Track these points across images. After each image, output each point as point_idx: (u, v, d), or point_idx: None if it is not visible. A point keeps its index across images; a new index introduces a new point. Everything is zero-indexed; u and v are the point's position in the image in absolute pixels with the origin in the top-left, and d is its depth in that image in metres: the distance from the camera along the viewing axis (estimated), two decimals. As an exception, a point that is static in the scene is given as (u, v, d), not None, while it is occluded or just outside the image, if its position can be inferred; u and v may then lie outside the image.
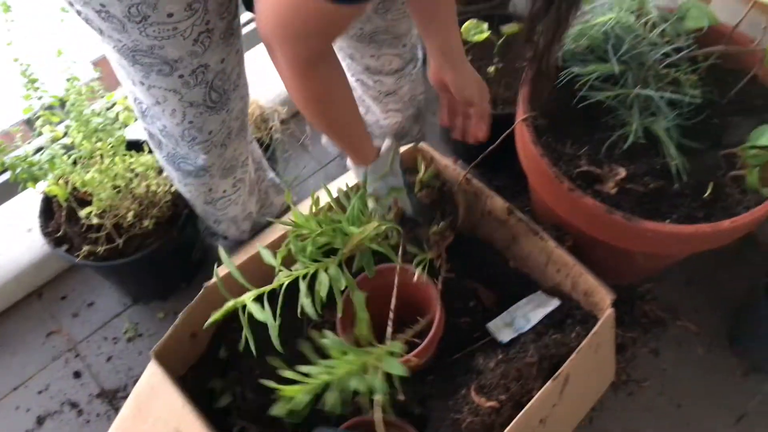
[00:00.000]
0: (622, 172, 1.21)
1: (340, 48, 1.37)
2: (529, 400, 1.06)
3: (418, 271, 1.20)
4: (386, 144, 1.15)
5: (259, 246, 1.16)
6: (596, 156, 1.25)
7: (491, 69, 1.64)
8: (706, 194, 1.16)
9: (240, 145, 1.27)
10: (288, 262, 1.08)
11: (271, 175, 1.53)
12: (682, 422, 1.46)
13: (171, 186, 1.45)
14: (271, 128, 1.60)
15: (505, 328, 1.28)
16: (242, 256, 1.29)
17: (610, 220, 1.13)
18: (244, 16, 1.09)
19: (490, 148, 1.29)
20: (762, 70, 1.24)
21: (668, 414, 1.47)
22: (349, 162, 1.16)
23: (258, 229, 1.50)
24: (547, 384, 1.07)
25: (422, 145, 1.38)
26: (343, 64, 1.41)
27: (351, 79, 1.46)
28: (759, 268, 1.40)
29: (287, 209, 1.55)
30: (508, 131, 1.29)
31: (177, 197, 1.46)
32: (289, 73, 0.90)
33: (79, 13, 0.94)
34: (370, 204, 1.17)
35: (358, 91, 1.50)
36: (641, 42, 1.22)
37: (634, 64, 1.22)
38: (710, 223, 1.10)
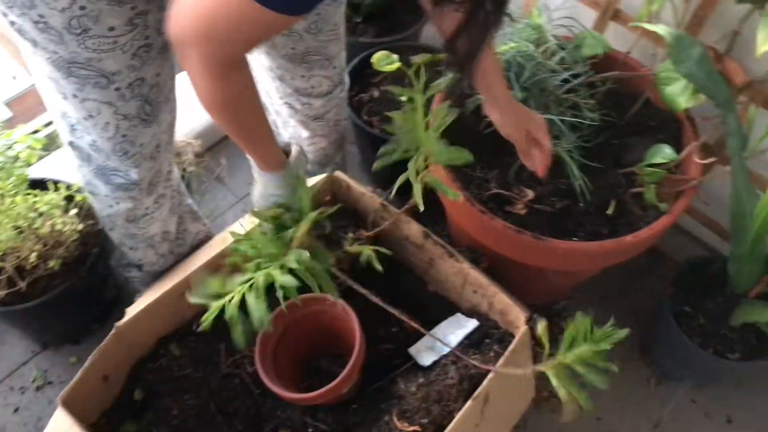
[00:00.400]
0: (530, 194, 1.26)
1: (270, 69, 1.36)
2: (450, 422, 1.06)
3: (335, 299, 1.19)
4: (294, 150, 1.15)
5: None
6: (505, 179, 1.28)
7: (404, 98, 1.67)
8: (609, 211, 1.21)
9: (166, 159, 1.26)
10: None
11: (189, 200, 1.50)
12: (602, 434, 1.50)
13: (78, 224, 1.39)
14: (184, 162, 1.57)
15: (426, 351, 1.29)
16: (157, 291, 1.25)
17: (520, 240, 1.17)
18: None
19: (403, 175, 1.31)
20: (654, 93, 1.31)
21: (590, 427, 1.51)
22: (254, 169, 1.15)
23: (173, 260, 1.46)
24: (468, 404, 1.08)
25: (337, 173, 1.39)
26: (272, 87, 1.42)
27: (279, 102, 1.45)
28: (665, 280, 1.46)
29: (204, 240, 1.53)
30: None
31: (85, 235, 1.41)
32: (203, 76, 0.86)
33: (12, 23, 0.92)
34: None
35: (284, 115, 1.49)
36: (542, 69, 1.28)
37: (535, 90, 1.27)
38: (614, 239, 1.15)
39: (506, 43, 1.29)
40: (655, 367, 1.58)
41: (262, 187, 1.17)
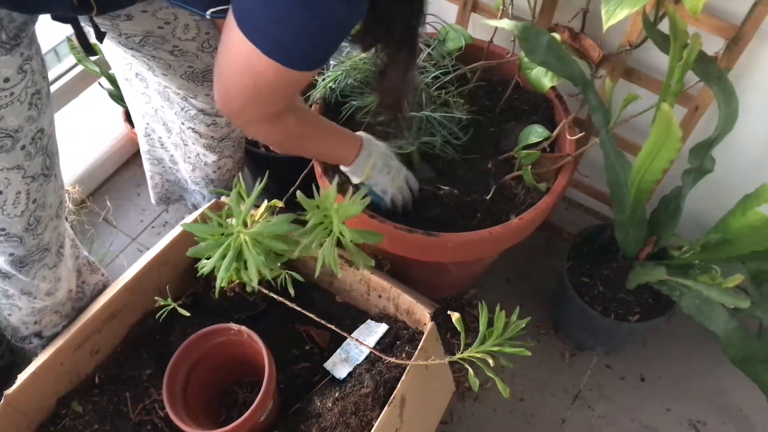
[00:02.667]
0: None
1: (171, 91, 1.31)
2: (370, 432, 1.06)
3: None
4: (362, 135, 1.19)
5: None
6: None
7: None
8: (488, 196, 1.23)
9: (64, 214, 1.20)
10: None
11: (85, 253, 1.43)
12: (527, 414, 1.53)
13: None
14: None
15: (341, 364, 1.28)
16: (48, 351, 1.18)
17: (413, 239, 1.17)
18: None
19: (293, 189, 1.30)
20: (521, 77, 1.35)
21: (514, 409, 1.53)
22: (346, 169, 1.20)
23: (74, 317, 1.39)
24: (384, 410, 1.08)
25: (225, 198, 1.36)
26: (173, 113, 1.37)
27: (182, 129, 1.40)
28: (563, 255, 1.51)
29: (102, 289, 1.46)
30: (306, 169, 1.31)
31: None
32: (265, 133, 1.00)
33: None
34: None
35: (189, 142, 1.44)
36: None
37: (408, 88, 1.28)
38: (501, 224, 1.18)
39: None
40: (568, 340, 1.63)
41: (359, 178, 1.20)
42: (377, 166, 1.19)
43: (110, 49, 1.31)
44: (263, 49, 0.81)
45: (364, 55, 1.29)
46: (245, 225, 0.95)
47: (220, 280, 0.86)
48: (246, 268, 0.88)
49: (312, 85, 1.37)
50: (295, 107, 1.00)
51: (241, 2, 0.81)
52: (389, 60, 1.00)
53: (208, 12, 0.94)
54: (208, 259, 0.90)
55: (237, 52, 0.83)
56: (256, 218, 1.00)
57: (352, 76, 1.29)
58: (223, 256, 0.86)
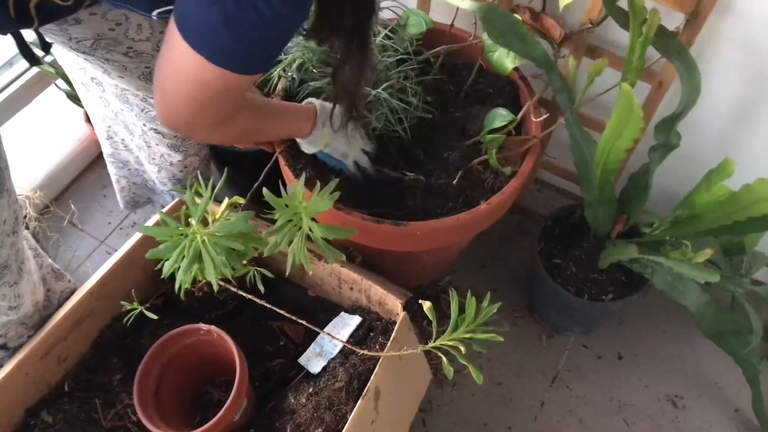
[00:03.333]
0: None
1: (130, 93, 1.27)
2: (344, 426, 1.05)
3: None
4: (311, 103, 1.18)
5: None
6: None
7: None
8: (455, 182, 1.22)
9: (21, 227, 1.15)
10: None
11: (49, 260, 1.40)
12: (506, 398, 1.53)
13: None
14: (25, 216, 1.46)
15: (315, 358, 1.27)
16: (12, 362, 1.16)
17: (382, 230, 1.16)
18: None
19: (256, 184, 1.27)
20: (484, 60, 1.33)
21: (492, 393, 1.53)
22: (306, 146, 1.20)
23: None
24: (358, 403, 1.07)
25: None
26: (133, 114, 1.33)
27: (144, 130, 1.37)
28: (536, 237, 1.50)
29: (69, 295, 1.43)
30: (270, 163, 1.28)
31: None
32: (213, 136, 0.99)
33: None
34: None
35: (152, 143, 1.40)
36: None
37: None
38: (469, 210, 1.16)
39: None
40: (544, 322, 1.63)
41: (319, 147, 1.20)
42: (334, 132, 1.18)
43: (62, 54, 1.27)
44: (209, 57, 0.78)
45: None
46: (206, 224, 0.93)
47: (179, 282, 0.84)
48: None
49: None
50: (245, 103, 0.98)
51: (182, 9, 0.77)
52: (342, 56, 0.98)
53: (154, 13, 0.90)
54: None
55: (180, 61, 0.80)
56: (217, 216, 0.98)
57: (311, 61, 1.26)
58: (182, 258, 0.84)
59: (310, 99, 1.19)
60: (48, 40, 1.07)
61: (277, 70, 1.32)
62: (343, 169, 1.25)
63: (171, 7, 0.83)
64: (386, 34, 1.31)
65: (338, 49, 0.98)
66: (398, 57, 1.29)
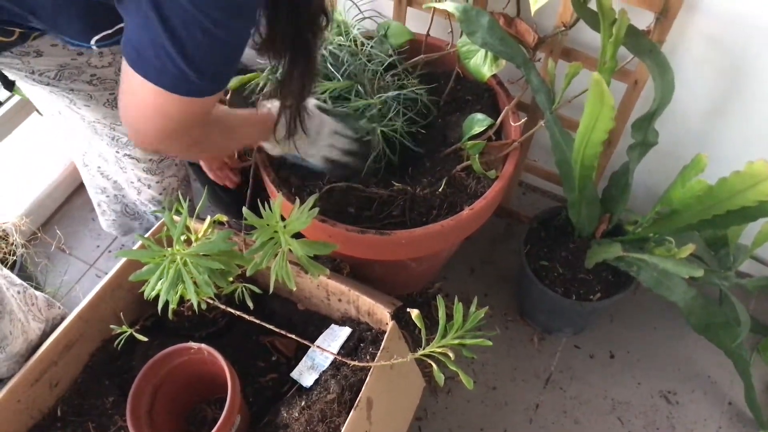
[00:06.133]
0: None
1: (98, 122, 1.27)
2: (338, 438, 1.05)
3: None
4: (268, 107, 1.14)
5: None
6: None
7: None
8: (440, 190, 1.23)
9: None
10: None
11: (38, 293, 1.39)
12: (500, 402, 1.53)
13: None
14: (12, 244, 1.46)
15: (307, 371, 1.27)
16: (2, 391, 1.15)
17: (367, 240, 1.16)
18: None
19: (248, 202, 1.28)
20: (461, 67, 1.35)
21: (487, 398, 1.54)
22: (271, 149, 1.18)
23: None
24: (351, 414, 1.07)
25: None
26: (105, 144, 1.33)
27: (118, 157, 1.36)
28: (523, 240, 1.51)
29: (60, 320, 1.42)
30: (251, 172, 1.29)
31: None
32: (191, 153, 1.08)
33: None
34: None
35: (128, 170, 1.41)
36: (358, 59, 1.29)
37: (362, 77, 1.28)
38: (452, 216, 1.17)
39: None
40: (535, 324, 1.63)
41: (284, 151, 1.18)
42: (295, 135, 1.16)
43: (27, 88, 1.25)
44: (168, 87, 0.78)
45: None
46: (190, 243, 0.93)
47: (162, 303, 0.84)
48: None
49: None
50: (213, 120, 0.97)
51: (132, 43, 0.77)
52: (289, 67, 0.98)
53: (92, 41, 0.90)
54: (153, 281, 0.89)
55: (142, 95, 0.80)
56: (200, 235, 0.98)
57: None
58: (162, 280, 0.84)
59: (264, 102, 1.17)
60: (10, 77, 1.07)
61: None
62: (316, 168, 1.23)
63: (109, 32, 0.84)
64: (371, 45, 1.32)
65: (286, 61, 0.98)
66: (378, 68, 1.31)
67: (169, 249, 0.84)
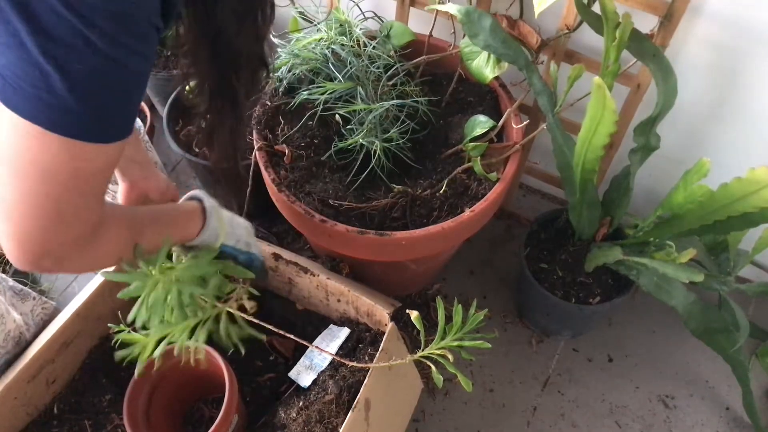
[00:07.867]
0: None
1: None
2: (335, 439, 1.05)
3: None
4: (194, 197, 0.99)
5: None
6: (342, 182, 1.28)
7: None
8: (441, 191, 1.22)
9: None
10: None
11: (11, 282, 1.37)
12: (498, 404, 1.53)
13: None
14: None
15: (305, 371, 1.27)
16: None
17: (366, 240, 1.16)
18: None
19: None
20: (464, 69, 1.34)
21: (485, 400, 1.53)
22: (198, 241, 0.96)
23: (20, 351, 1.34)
24: (349, 415, 1.07)
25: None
26: None
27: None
28: (523, 242, 1.51)
29: (52, 316, 1.42)
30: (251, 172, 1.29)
31: None
32: (84, 258, 0.72)
33: None
34: None
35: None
36: (361, 60, 1.29)
37: (364, 79, 1.27)
38: (452, 218, 1.17)
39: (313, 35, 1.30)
40: (533, 327, 1.63)
41: (218, 241, 0.98)
42: (232, 222, 1.01)
43: None
44: (45, 122, 0.60)
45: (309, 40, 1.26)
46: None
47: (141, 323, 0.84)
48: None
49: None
50: (108, 209, 0.74)
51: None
52: (216, 117, 0.93)
53: None
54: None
55: (10, 147, 0.62)
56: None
57: (299, 68, 1.27)
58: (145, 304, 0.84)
59: (192, 193, 0.99)
60: None
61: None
62: (254, 259, 1.05)
63: None
64: (373, 45, 1.32)
65: (211, 110, 0.90)
66: (380, 69, 1.31)
67: (149, 273, 0.82)
